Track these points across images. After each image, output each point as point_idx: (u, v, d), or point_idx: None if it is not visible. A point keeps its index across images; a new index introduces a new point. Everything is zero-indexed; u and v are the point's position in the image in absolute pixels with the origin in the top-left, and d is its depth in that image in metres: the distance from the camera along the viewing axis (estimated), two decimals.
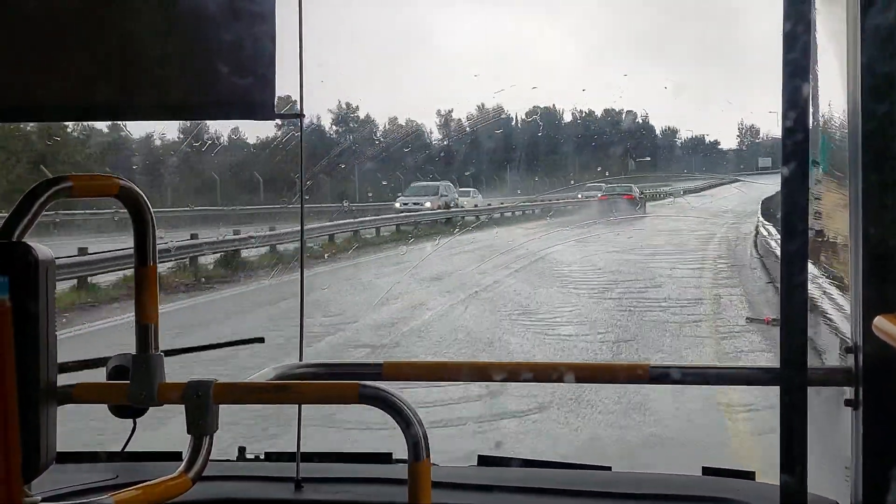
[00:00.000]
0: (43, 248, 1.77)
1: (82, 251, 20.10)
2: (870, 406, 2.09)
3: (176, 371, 2.08)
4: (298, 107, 2.34)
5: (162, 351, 2.04)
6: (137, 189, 2.00)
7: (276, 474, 2.59)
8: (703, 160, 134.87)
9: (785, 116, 1.98)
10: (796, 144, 1.98)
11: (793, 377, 2.04)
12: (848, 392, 2.15)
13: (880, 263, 2.06)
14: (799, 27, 1.95)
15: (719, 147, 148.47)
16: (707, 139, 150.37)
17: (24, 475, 1.73)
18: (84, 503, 1.83)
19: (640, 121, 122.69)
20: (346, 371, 2.49)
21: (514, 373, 2.43)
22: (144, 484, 1.92)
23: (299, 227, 2.94)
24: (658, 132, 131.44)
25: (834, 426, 2.56)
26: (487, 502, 2.43)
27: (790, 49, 1.96)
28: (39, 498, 1.83)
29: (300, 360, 2.51)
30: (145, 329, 2.02)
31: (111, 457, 2.65)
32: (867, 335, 2.04)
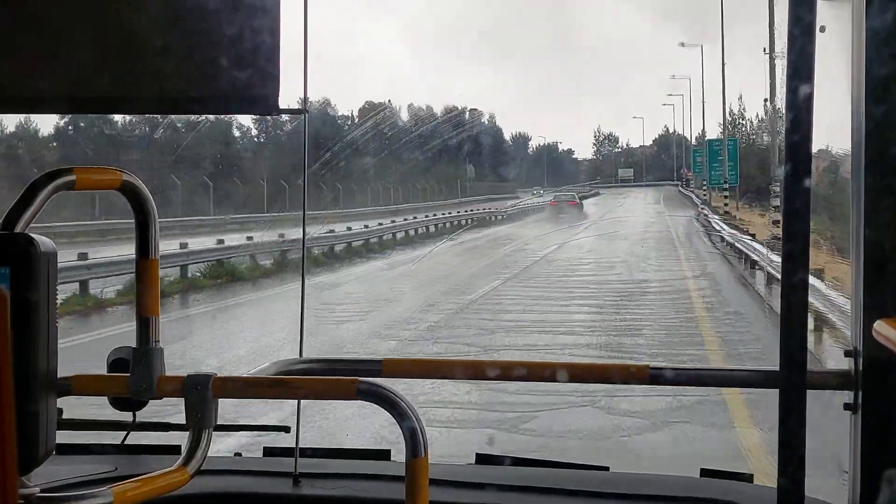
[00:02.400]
0: (45, 240, 1.77)
1: None
2: (869, 410, 2.09)
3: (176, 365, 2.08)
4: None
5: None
6: (140, 183, 2.00)
7: (275, 469, 2.59)
8: (556, 169, 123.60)
9: (788, 117, 1.98)
10: (798, 145, 1.98)
11: (792, 380, 2.04)
12: (847, 396, 2.15)
13: (881, 267, 2.05)
14: (801, 28, 1.95)
15: (574, 156, 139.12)
16: (561, 147, 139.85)
17: (22, 466, 1.73)
18: (82, 495, 1.83)
19: (487, 121, 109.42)
20: (345, 367, 2.50)
21: (511, 371, 2.43)
22: (143, 477, 1.92)
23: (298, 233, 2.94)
24: (508, 138, 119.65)
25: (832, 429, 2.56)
26: (484, 500, 2.43)
27: (794, 50, 1.96)
28: (38, 489, 1.83)
29: (300, 355, 2.51)
30: (146, 322, 2.02)
31: (110, 449, 2.65)
32: (867, 339, 2.04)
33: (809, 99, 1.95)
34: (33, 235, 1.76)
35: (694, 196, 74.18)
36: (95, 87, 2.03)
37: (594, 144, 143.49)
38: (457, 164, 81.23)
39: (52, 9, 2.01)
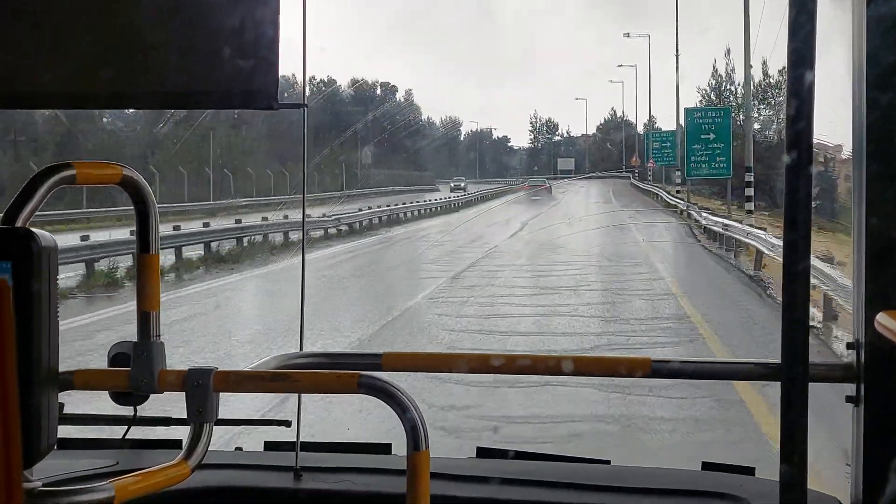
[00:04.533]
0: (46, 234, 1.77)
1: None
2: (871, 402, 2.08)
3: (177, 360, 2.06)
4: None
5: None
6: (140, 177, 2.00)
7: (276, 463, 2.59)
8: (491, 158, 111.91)
9: (789, 105, 1.97)
10: (800, 133, 1.98)
11: (794, 372, 2.03)
12: (849, 388, 2.14)
13: (883, 258, 2.05)
14: (803, 16, 1.94)
15: (509, 144, 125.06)
16: (495, 133, 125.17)
17: (24, 461, 1.72)
18: (84, 489, 1.83)
19: (403, 98, 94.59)
20: (345, 361, 2.49)
21: (514, 364, 2.43)
22: (144, 471, 1.92)
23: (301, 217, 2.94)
24: (439, 122, 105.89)
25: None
26: (485, 494, 2.43)
27: (795, 38, 1.95)
28: (40, 483, 1.83)
29: (300, 349, 2.51)
30: (146, 316, 2.02)
31: (112, 443, 2.66)
32: (869, 331, 2.03)
33: (811, 87, 1.94)
34: (34, 230, 1.76)
35: (664, 193, 52.76)
36: (96, 82, 2.03)
37: (531, 131, 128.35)
38: (351, 146, 62.76)
39: (53, 4, 2.01)
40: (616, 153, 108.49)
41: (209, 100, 2.12)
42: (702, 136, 39.30)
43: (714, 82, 63.97)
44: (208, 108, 2.57)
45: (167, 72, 2.01)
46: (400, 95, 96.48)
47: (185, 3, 2.00)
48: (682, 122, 45.48)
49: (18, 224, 1.80)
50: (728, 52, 69.86)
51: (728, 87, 62.60)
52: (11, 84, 2.05)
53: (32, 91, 2.08)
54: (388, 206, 44.36)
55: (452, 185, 74.00)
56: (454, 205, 55.44)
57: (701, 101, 61.66)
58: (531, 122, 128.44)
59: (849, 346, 2.15)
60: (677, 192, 48.91)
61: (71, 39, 2.01)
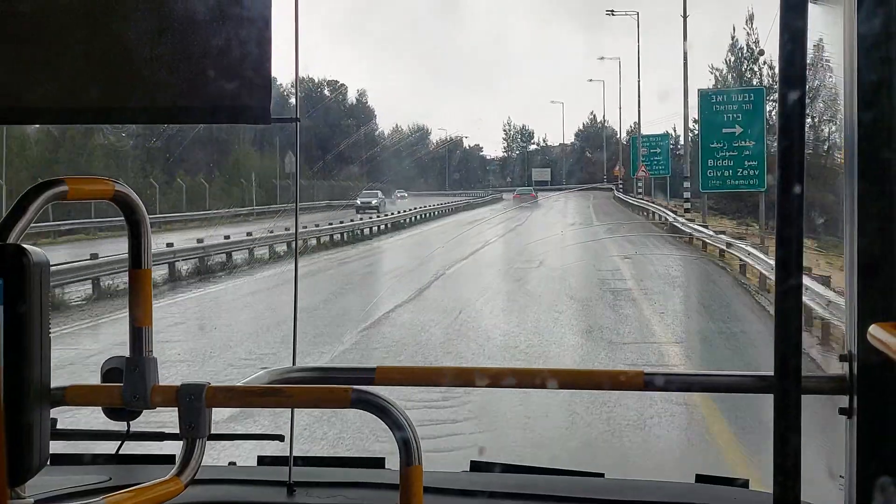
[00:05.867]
0: (37, 250, 1.76)
1: None
2: (864, 414, 2.09)
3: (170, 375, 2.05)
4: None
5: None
6: (132, 192, 2.00)
7: (269, 478, 2.58)
8: (461, 168, 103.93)
9: (779, 122, 1.98)
10: (790, 149, 1.98)
11: (787, 385, 2.03)
12: (842, 400, 2.15)
13: (874, 271, 2.05)
14: (793, 33, 1.95)
15: (482, 153, 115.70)
16: (467, 142, 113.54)
17: (16, 477, 1.72)
18: None
19: (356, 100, 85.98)
20: (339, 376, 2.49)
21: (501, 379, 2.43)
22: (137, 487, 1.91)
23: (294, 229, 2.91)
24: (406, 130, 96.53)
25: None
26: None
27: (784, 55, 1.96)
28: (32, 500, 1.83)
29: (293, 364, 2.50)
30: (139, 332, 2.01)
31: (105, 459, 2.65)
32: (862, 343, 2.04)
33: (801, 104, 1.95)
34: (26, 246, 1.76)
35: (667, 213, 38.25)
36: (87, 97, 2.03)
37: (504, 139, 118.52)
38: (272, 153, 49.28)
39: (43, 21, 2.01)
40: (597, 162, 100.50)
41: (203, 115, 2.12)
42: (723, 131, 27.15)
43: (733, 58, 45.93)
44: (202, 122, 2.56)
45: (160, 87, 2.01)
46: (352, 96, 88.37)
47: (177, 20, 2.00)
48: (691, 122, 35.59)
49: (10, 240, 1.79)
50: (751, 17, 48.75)
51: (751, 66, 45.31)
52: (2, 100, 2.05)
53: (22, 107, 2.08)
54: (270, 231, 31.17)
55: (360, 201, 52.64)
56: (365, 231, 38.77)
57: (714, 84, 45.63)
58: (504, 130, 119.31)
59: (841, 358, 2.16)
60: (686, 210, 35.77)
61: (60, 56, 2.01)
